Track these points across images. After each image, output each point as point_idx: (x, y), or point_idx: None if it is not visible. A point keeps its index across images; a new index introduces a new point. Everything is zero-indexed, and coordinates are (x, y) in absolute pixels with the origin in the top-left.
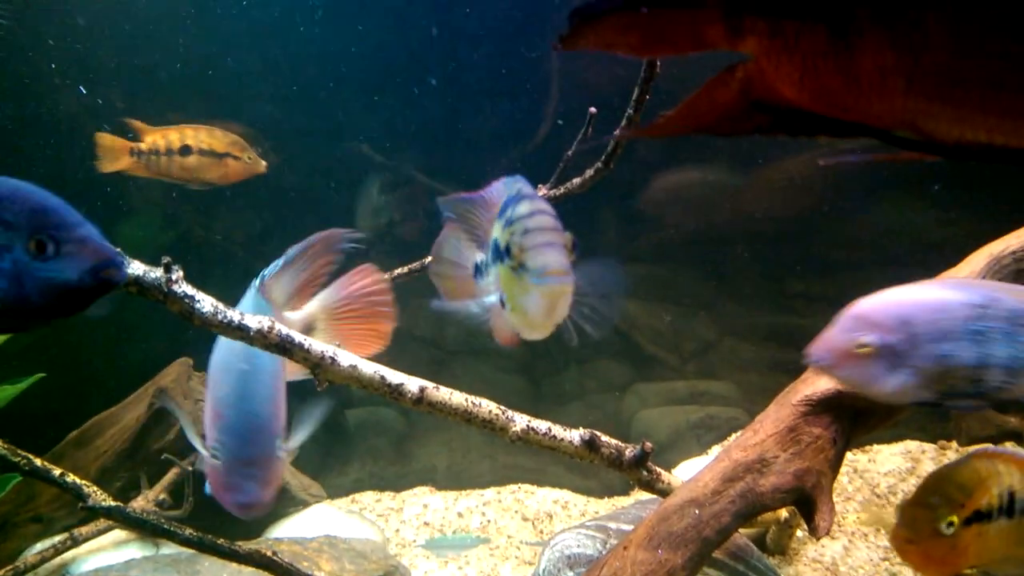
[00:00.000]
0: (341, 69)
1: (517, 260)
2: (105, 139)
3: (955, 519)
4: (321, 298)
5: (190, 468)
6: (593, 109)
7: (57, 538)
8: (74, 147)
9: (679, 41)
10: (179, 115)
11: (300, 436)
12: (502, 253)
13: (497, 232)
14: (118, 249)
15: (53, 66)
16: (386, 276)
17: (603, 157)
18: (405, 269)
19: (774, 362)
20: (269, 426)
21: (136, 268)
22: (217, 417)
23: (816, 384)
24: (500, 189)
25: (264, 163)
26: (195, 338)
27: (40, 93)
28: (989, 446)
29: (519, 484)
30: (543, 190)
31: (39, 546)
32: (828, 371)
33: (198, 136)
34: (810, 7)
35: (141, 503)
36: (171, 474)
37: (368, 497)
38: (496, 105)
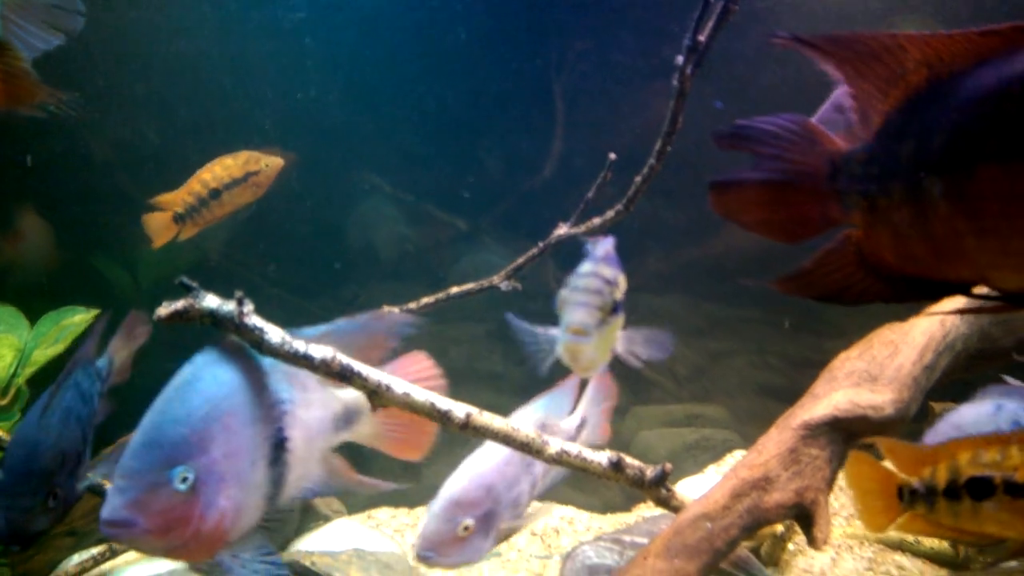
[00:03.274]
0: (355, 97)
1: (559, 312)
2: (151, 220)
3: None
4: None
5: None
6: (612, 155)
7: (95, 550)
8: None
9: (805, 217)
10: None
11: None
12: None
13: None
14: None
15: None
16: (437, 368)
17: (624, 200)
18: (432, 299)
19: (763, 387)
20: (166, 447)
21: (211, 302)
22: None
23: (814, 410)
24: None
25: (280, 159)
26: None
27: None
28: None
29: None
30: (564, 228)
31: (77, 558)
32: (441, 565)
33: (215, 175)
34: (898, 187)
35: None
36: None
37: (384, 513)
38: (515, 136)
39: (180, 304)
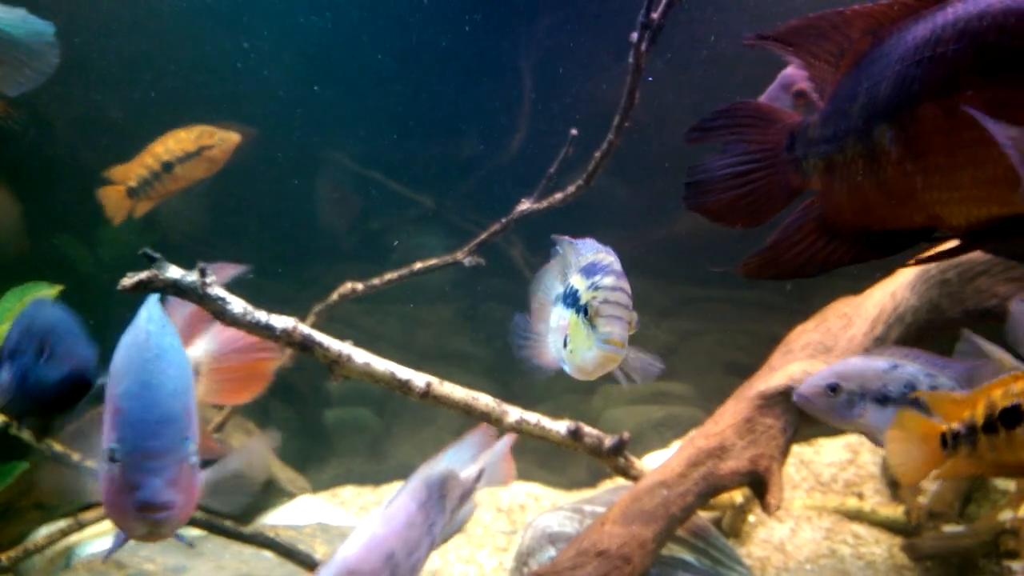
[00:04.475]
0: (320, 75)
1: (591, 321)
2: (107, 194)
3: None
4: (205, 339)
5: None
6: (574, 131)
7: (63, 522)
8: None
9: (770, 190)
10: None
11: (218, 470)
12: (581, 306)
13: (579, 286)
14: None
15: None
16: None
17: (584, 176)
18: (395, 275)
19: (730, 366)
20: (177, 422)
21: (174, 272)
22: (116, 413)
23: (769, 381)
24: (591, 245)
25: (236, 134)
26: None
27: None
28: None
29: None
30: (526, 203)
31: (45, 530)
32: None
33: (168, 148)
34: (851, 141)
35: None
36: None
37: (348, 491)
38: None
39: (144, 275)
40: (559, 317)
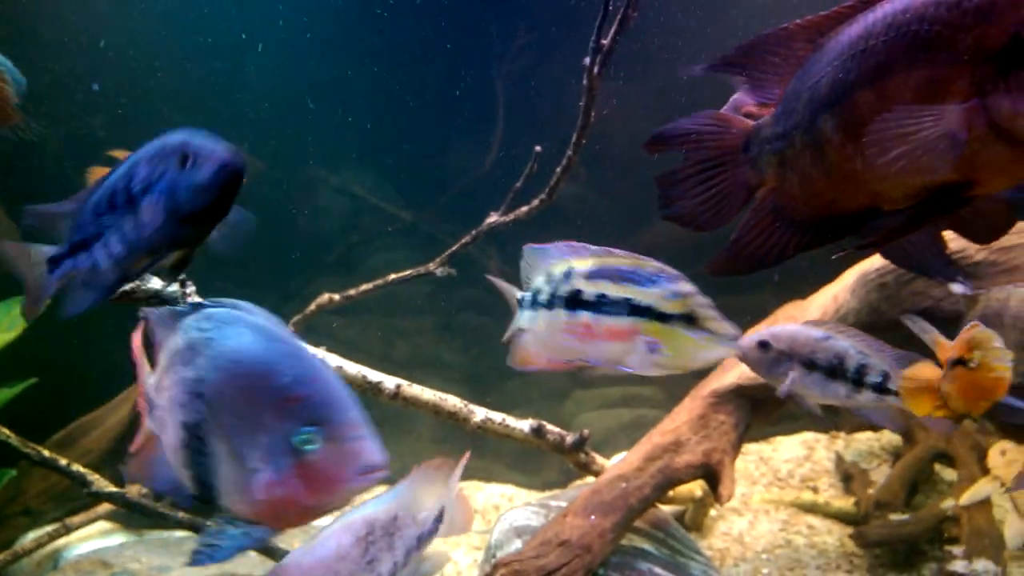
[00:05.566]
0: (303, 91)
1: (700, 325)
2: (97, 173)
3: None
4: None
5: None
6: (538, 148)
7: (49, 528)
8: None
9: (729, 190)
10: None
11: None
12: (674, 315)
13: (646, 298)
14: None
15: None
16: None
17: (547, 189)
18: (370, 286)
19: (699, 370)
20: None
21: (156, 283)
22: (292, 402)
23: (722, 379)
24: (561, 248)
25: None
26: None
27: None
28: None
29: (468, 481)
30: (494, 216)
31: (32, 535)
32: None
33: None
34: (799, 135)
35: (136, 489)
36: None
37: None
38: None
39: (128, 286)
40: (610, 324)
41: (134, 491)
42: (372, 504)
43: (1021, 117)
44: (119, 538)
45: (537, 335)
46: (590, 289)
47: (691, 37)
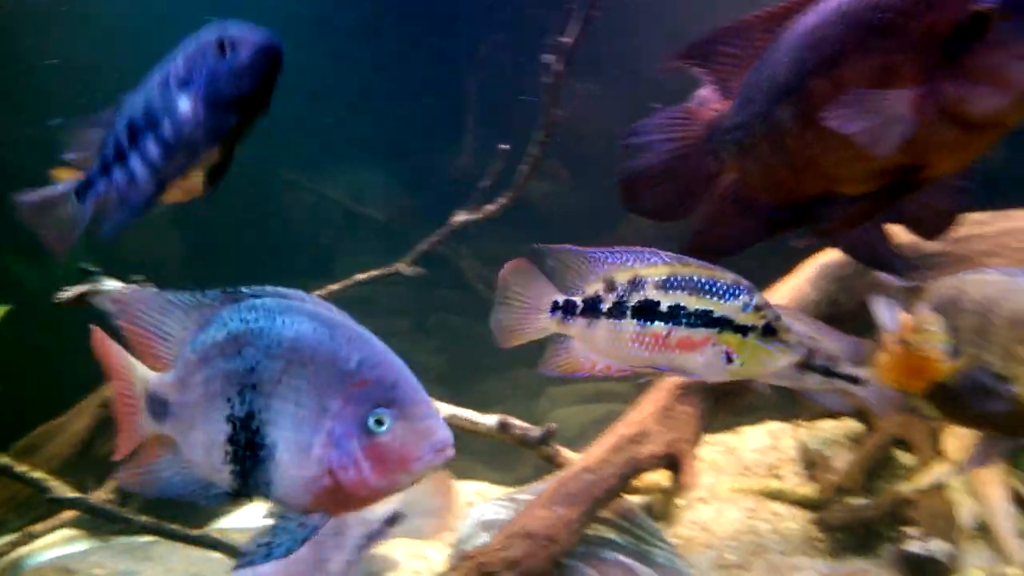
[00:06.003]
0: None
1: (778, 337)
2: (61, 175)
3: None
4: None
5: None
6: (505, 146)
7: (11, 536)
8: None
9: (693, 181)
10: None
11: None
12: (753, 327)
13: (731, 311)
14: None
15: None
16: None
17: (512, 188)
18: (339, 285)
19: None
20: None
21: (111, 284)
22: (360, 387)
23: None
24: (620, 253)
25: (200, 187)
26: None
27: None
28: None
29: None
30: (461, 215)
31: None
32: None
33: None
34: (758, 125)
35: (101, 494)
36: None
37: None
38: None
39: (83, 288)
40: (685, 335)
41: (97, 496)
42: None
43: (967, 101)
44: (84, 545)
45: (595, 342)
46: (665, 300)
47: (672, 35)
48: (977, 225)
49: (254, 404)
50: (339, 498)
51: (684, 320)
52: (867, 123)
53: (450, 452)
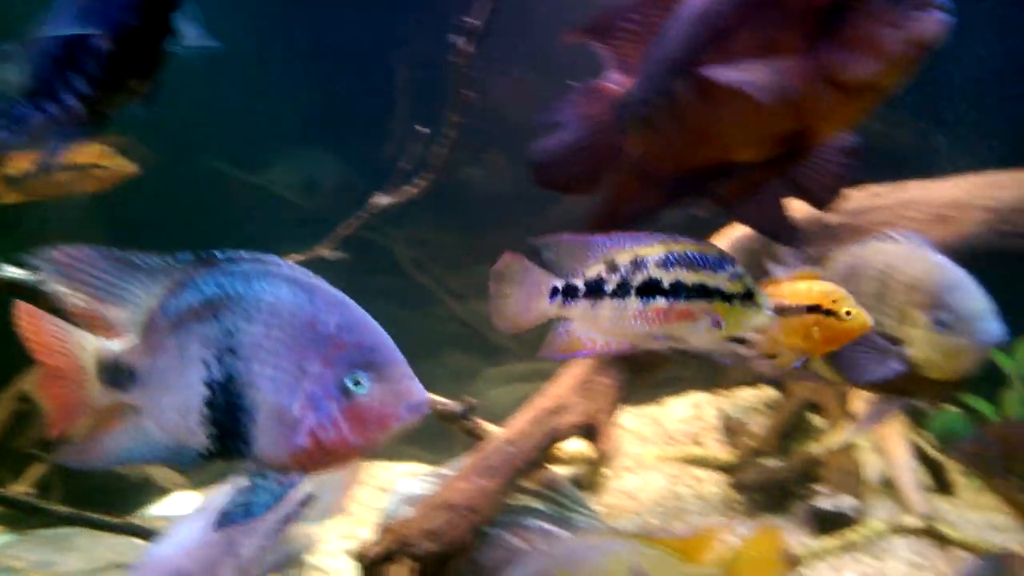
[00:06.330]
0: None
1: (756, 301)
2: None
3: None
4: None
5: None
6: (424, 128)
7: None
8: None
9: (604, 154)
10: None
11: None
12: (736, 294)
13: (721, 282)
14: None
15: None
16: None
17: (431, 169)
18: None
19: None
20: None
21: (10, 272)
22: (339, 349)
23: None
24: (617, 237)
25: (132, 167)
26: None
27: None
28: None
29: (374, 460)
30: (381, 197)
31: None
32: None
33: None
34: (658, 98)
35: (19, 487)
36: (35, 470)
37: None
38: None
39: None
40: (683, 307)
41: (15, 490)
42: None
43: (846, 67)
44: (3, 539)
45: (599, 322)
46: (666, 277)
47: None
48: (875, 197)
49: (232, 368)
50: (317, 458)
51: (684, 294)
52: (754, 76)
53: (425, 411)
